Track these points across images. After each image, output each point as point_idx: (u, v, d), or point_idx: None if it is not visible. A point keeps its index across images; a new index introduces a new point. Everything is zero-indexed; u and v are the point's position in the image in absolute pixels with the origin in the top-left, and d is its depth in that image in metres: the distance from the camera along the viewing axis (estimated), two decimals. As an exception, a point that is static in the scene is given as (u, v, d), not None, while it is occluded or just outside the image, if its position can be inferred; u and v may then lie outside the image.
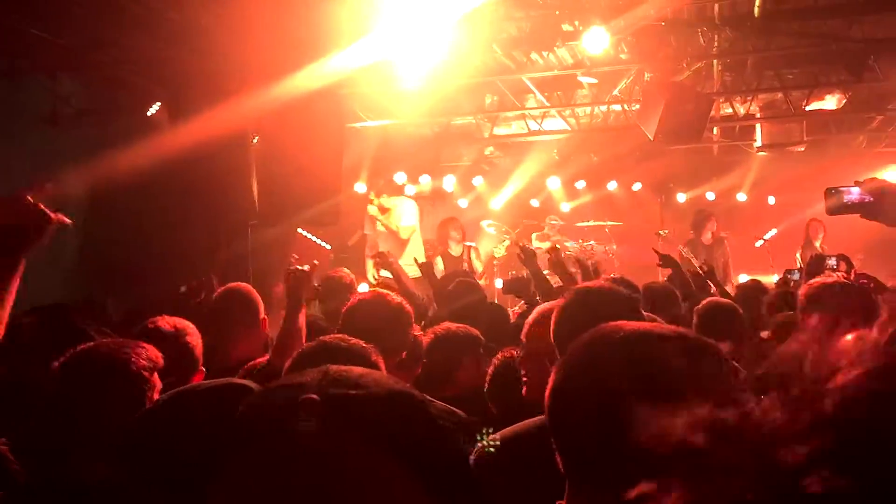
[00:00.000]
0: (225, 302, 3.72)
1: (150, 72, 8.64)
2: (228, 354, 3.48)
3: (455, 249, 9.93)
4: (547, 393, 1.21)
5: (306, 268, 3.43)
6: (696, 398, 1.08)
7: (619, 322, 1.22)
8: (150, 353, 2.19)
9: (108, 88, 9.35)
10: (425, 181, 13.07)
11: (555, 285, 5.58)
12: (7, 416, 2.25)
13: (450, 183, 13.31)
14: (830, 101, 10.61)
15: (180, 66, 8.12)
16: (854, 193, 2.96)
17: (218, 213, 7.48)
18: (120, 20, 7.57)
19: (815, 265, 5.16)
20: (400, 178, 12.17)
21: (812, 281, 3.46)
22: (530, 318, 2.80)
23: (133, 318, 5.77)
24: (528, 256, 5.44)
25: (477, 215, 13.44)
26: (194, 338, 2.82)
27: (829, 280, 3.39)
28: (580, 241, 12.54)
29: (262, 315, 3.73)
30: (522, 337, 2.71)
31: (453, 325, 3.82)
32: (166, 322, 2.80)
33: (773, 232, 11.35)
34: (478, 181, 13.68)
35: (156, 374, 2.18)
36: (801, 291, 3.37)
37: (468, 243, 10.20)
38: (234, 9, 7.31)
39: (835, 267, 5.72)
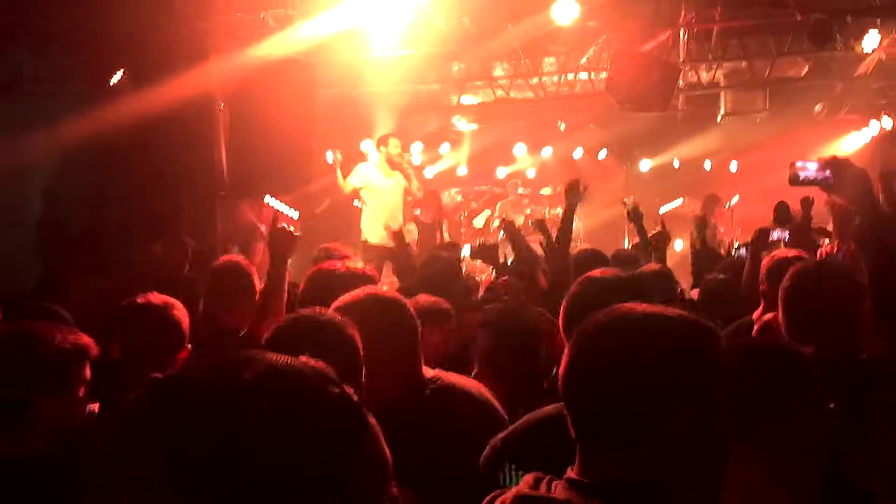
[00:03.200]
0: (222, 275, 3.76)
1: (112, 38, 8.45)
2: (222, 323, 3.52)
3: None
4: (564, 366, 1.39)
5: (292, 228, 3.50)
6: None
7: (631, 304, 1.42)
8: (77, 340, 2.11)
9: (68, 57, 9.12)
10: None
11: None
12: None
13: (416, 151, 13.25)
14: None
15: (142, 32, 7.96)
16: (812, 169, 3.08)
17: (185, 184, 7.40)
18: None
19: (760, 238, 5.16)
20: (366, 145, 12.09)
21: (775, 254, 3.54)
22: None
23: (101, 294, 5.73)
24: (511, 230, 5.47)
25: (443, 183, 13.44)
26: (180, 313, 2.82)
27: (790, 254, 3.49)
28: (547, 207, 12.64)
29: (258, 286, 3.76)
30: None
31: (428, 300, 3.85)
32: (154, 298, 2.80)
33: (737, 199, 11.54)
34: (444, 149, 13.66)
35: (84, 366, 2.11)
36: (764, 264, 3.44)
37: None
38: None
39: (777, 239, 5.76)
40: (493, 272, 6.58)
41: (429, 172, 13.80)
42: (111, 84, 8.67)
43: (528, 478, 1.37)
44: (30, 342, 2.03)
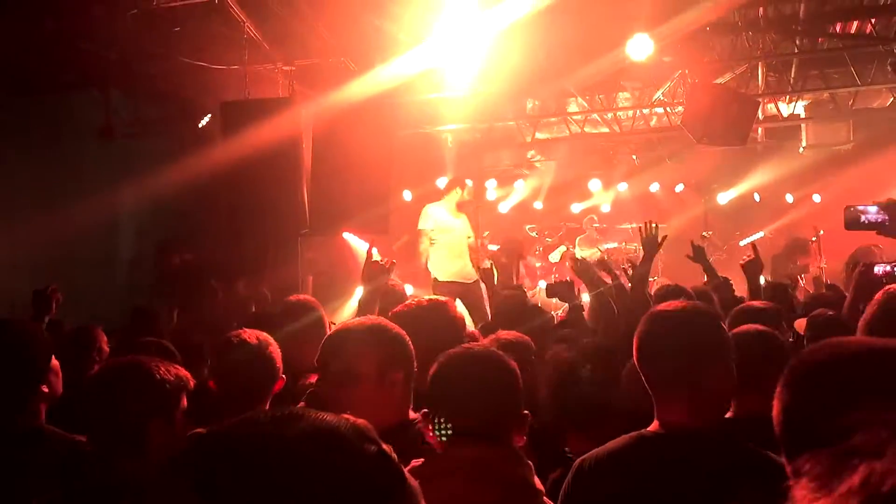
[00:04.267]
0: (294, 313, 3.86)
1: (200, 83, 8.84)
2: (304, 362, 3.61)
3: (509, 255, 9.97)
4: (784, 410, 1.32)
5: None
6: None
7: (840, 339, 1.37)
8: (178, 372, 2.33)
9: (158, 101, 9.59)
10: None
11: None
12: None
13: (491, 187, 13.38)
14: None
15: (229, 78, 8.32)
16: (871, 212, 3.00)
17: (269, 223, 7.65)
18: (167, 33, 7.79)
19: (864, 273, 4.97)
20: (442, 183, 12.25)
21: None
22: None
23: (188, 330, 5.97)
24: (581, 268, 5.45)
25: (518, 218, 13.50)
26: (275, 349, 2.94)
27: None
28: (623, 243, 12.55)
29: (328, 323, 3.87)
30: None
31: (511, 334, 3.90)
32: (250, 335, 2.93)
33: (821, 233, 11.23)
34: (519, 185, 13.74)
35: (183, 395, 2.31)
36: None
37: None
38: (282, 21, 7.49)
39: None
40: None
41: (503, 208, 13.89)
42: (199, 127, 9.09)
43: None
44: (142, 373, 2.25)
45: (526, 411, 2.03)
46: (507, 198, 13.89)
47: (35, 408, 2.47)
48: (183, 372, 2.34)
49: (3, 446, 2.25)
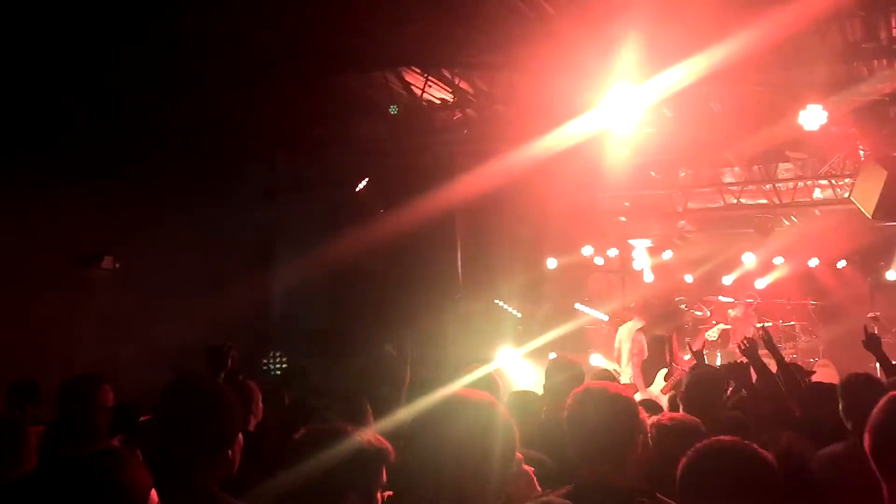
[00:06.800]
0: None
1: (359, 149, 9.12)
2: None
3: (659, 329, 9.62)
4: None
5: None
6: None
7: None
8: (381, 442, 2.22)
9: (318, 164, 9.94)
10: (613, 254, 12.91)
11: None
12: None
13: (638, 257, 13.04)
14: None
15: (388, 145, 8.54)
16: None
17: (423, 287, 7.71)
18: (333, 99, 8.10)
19: None
20: (587, 251, 12.06)
21: None
22: None
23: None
24: (751, 353, 5.13)
25: (667, 290, 13.03)
26: None
27: None
28: (780, 321, 11.91)
29: None
30: None
31: (678, 416, 3.70)
32: None
33: None
34: (667, 255, 13.31)
35: (383, 468, 2.21)
36: None
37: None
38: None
39: None
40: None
41: (649, 278, 13.45)
42: (356, 191, 9.35)
43: None
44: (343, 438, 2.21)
45: None
46: (655, 268, 13.45)
47: (214, 473, 2.40)
48: (385, 443, 2.21)
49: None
